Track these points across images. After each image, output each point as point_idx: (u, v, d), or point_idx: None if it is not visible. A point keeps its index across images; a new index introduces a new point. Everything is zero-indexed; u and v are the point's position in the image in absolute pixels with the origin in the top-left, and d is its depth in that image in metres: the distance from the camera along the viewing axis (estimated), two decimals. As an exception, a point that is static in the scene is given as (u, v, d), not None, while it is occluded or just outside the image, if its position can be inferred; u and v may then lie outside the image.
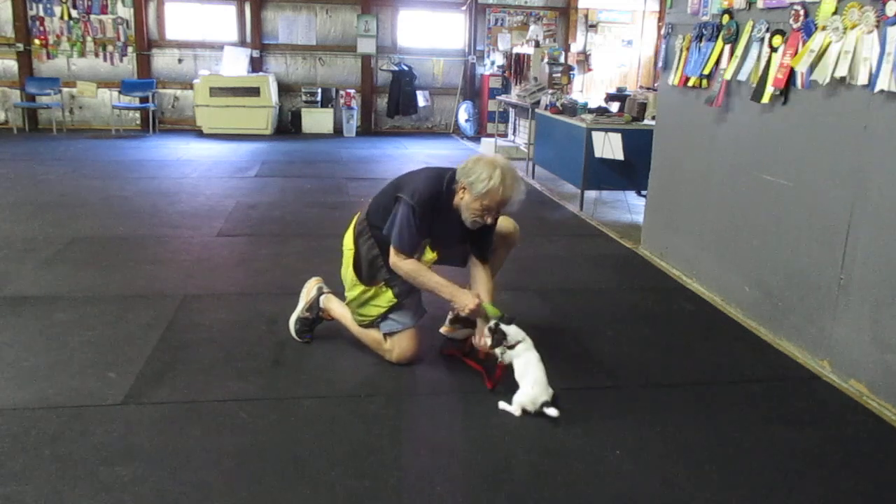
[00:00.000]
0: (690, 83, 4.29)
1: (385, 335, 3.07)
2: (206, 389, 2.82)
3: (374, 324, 3.10)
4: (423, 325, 3.16)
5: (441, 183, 2.93)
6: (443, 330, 3.42)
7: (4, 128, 10.33)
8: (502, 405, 2.73)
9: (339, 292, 3.28)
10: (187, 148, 9.18)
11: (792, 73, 3.40)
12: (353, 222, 3.18)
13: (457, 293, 2.92)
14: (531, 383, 2.69)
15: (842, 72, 3.07)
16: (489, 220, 2.93)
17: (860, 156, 3.04)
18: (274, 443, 2.46)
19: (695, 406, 2.86)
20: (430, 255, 3.02)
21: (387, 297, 3.03)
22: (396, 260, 2.92)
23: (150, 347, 3.17)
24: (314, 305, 3.29)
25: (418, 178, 2.98)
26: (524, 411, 2.69)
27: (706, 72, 4.09)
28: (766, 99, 3.57)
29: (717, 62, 4.02)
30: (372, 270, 3.05)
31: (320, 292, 3.32)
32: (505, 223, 3.22)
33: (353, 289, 3.09)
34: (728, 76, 3.85)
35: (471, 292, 2.95)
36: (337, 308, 3.26)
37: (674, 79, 4.52)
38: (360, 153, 9.40)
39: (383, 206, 3.02)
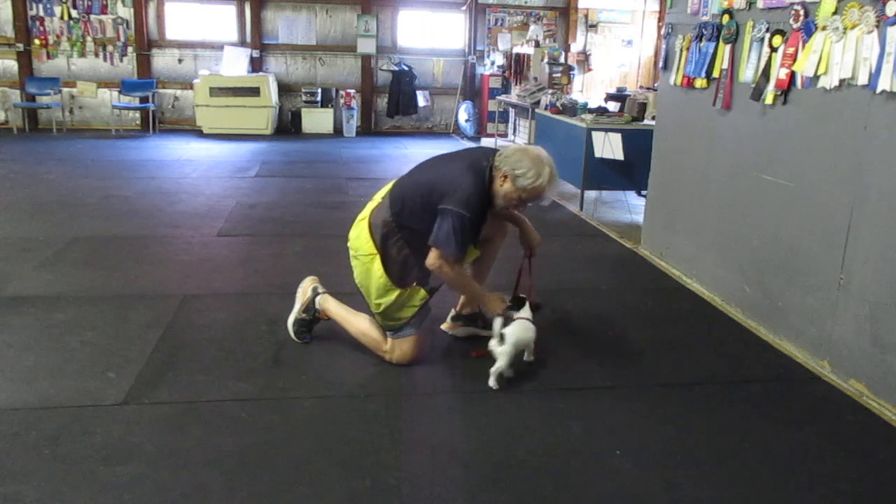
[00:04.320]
0: (697, 84, 4.27)
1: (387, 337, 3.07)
2: (206, 389, 2.82)
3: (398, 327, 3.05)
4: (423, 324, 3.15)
5: (483, 182, 2.87)
6: (444, 327, 3.42)
7: (4, 128, 10.33)
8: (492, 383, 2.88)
9: (335, 292, 3.28)
10: (187, 148, 9.18)
11: (793, 74, 3.40)
12: (367, 226, 3.02)
13: (488, 299, 3.02)
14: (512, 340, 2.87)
15: (842, 72, 3.07)
16: (520, 210, 3.03)
17: (860, 156, 3.04)
18: (274, 443, 2.46)
19: (695, 406, 2.86)
20: (473, 252, 3.06)
21: (420, 295, 2.99)
22: (442, 265, 2.84)
23: (150, 347, 3.17)
24: (310, 306, 3.27)
25: (463, 182, 2.82)
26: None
27: (715, 74, 4.08)
28: (768, 100, 3.57)
29: (722, 64, 4.01)
30: (404, 272, 2.96)
31: (316, 293, 3.30)
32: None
33: (387, 294, 2.96)
34: (741, 79, 3.82)
35: (497, 296, 3.02)
36: (334, 308, 3.24)
37: (675, 79, 4.52)
38: (360, 153, 9.41)
39: (419, 208, 2.89)
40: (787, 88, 3.44)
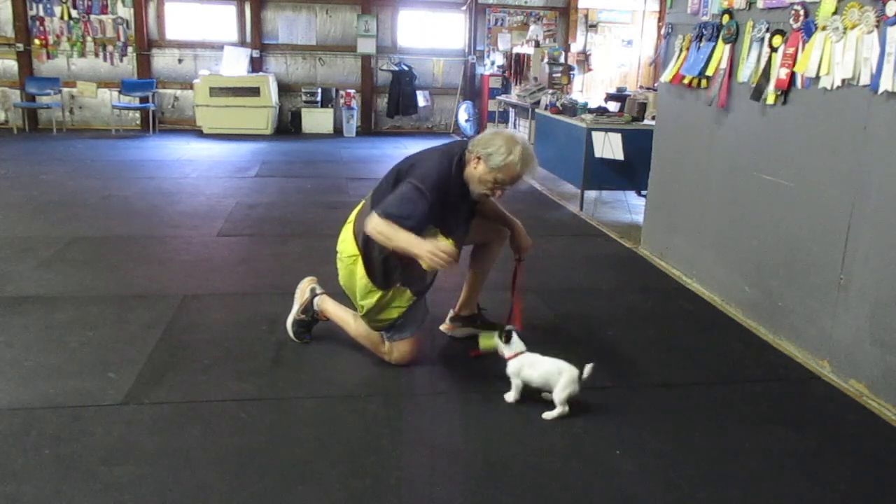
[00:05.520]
0: (686, 81, 4.29)
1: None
2: (206, 389, 2.82)
3: (383, 328, 3.04)
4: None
5: (450, 163, 2.84)
6: (443, 328, 3.42)
7: (4, 128, 10.32)
8: (546, 415, 2.68)
9: (333, 292, 3.27)
10: (187, 148, 9.18)
11: (793, 74, 3.40)
12: (352, 229, 3.04)
13: (422, 244, 2.67)
14: (562, 385, 2.68)
15: (842, 73, 3.07)
16: (498, 194, 2.91)
17: (860, 156, 3.04)
18: (274, 443, 2.46)
19: (695, 406, 2.86)
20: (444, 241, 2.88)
21: (406, 296, 2.95)
22: (377, 224, 2.71)
23: (150, 347, 3.17)
24: (309, 307, 3.27)
25: (427, 162, 2.86)
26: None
27: (709, 73, 4.08)
28: (769, 100, 3.56)
29: (719, 63, 4.01)
30: (386, 273, 2.93)
31: (314, 294, 3.30)
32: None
33: (369, 296, 2.95)
34: (741, 79, 3.81)
35: (432, 241, 2.72)
36: (332, 309, 3.24)
37: (667, 76, 4.52)
38: (360, 153, 9.41)
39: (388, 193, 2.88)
40: (787, 88, 3.44)
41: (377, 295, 2.94)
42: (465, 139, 3.01)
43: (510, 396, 2.79)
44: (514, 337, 2.83)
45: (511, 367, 2.80)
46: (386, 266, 2.94)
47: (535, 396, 2.81)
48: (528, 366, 2.78)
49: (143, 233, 5.11)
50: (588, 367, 2.68)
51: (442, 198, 2.82)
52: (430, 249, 2.66)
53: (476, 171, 2.83)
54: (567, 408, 2.67)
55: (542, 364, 2.76)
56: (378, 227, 2.74)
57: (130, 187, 6.62)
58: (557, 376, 2.69)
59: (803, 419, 2.79)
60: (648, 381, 3.06)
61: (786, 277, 3.52)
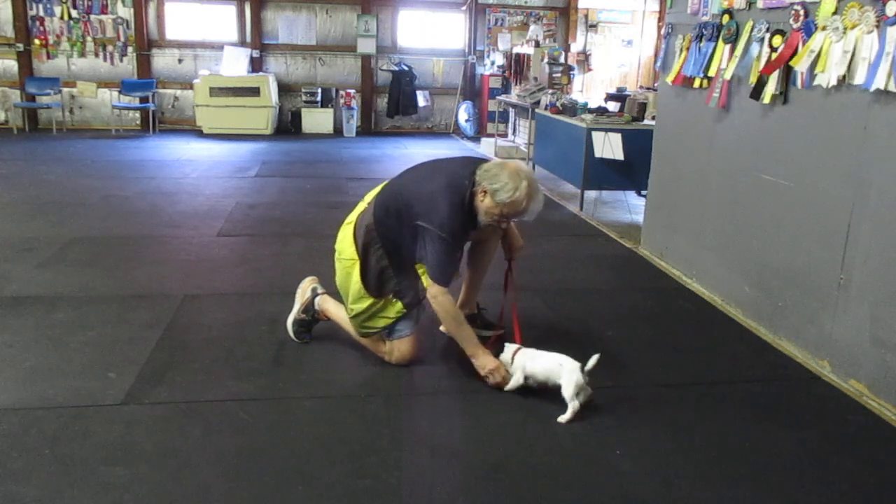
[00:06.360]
0: (696, 84, 4.28)
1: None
2: (206, 389, 2.82)
3: (367, 335, 3.07)
4: (423, 324, 3.15)
5: (462, 201, 2.86)
6: (443, 328, 3.42)
7: (4, 128, 10.33)
8: (560, 419, 2.67)
9: (334, 292, 3.27)
10: (187, 148, 9.18)
11: (791, 73, 3.40)
12: (352, 231, 3.06)
13: (480, 354, 2.91)
14: (566, 379, 2.70)
15: (842, 72, 3.07)
16: (504, 225, 3.00)
17: (860, 156, 3.04)
18: (274, 443, 2.46)
19: (695, 406, 2.86)
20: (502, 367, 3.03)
21: (396, 308, 2.98)
22: (437, 293, 2.88)
23: (150, 347, 3.17)
24: (310, 307, 3.28)
25: (440, 204, 2.84)
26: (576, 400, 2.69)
27: (710, 73, 4.07)
28: (766, 99, 3.57)
29: (720, 63, 4.01)
30: (381, 282, 2.97)
31: (315, 293, 3.30)
32: None
33: (360, 301, 2.99)
34: (728, 76, 3.85)
35: (491, 357, 2.91)
36: (333, 309, 3.24)
37: (669, 76, 4.52)
38: (360, 153, 9.41)
39: (397, 221, 2.92)
40: (786, 88, 3.44)
41: (368, 301, 2.98)
42: (471, 159, 3.05)
43: (510, 385, 2.86)
44: (506, 345, 2.96)
45: (515, 363, 2.87)
46: (382, 276, 2.98)
47: (538, 395, 2.81)
48: (530, 359, 2.85)
49: (143, 233, 5.11)
50: (593, 359, 2.69)
51: (463, 237, 2.96)
52: (491, 369, 2.87)
53: (483, 203, 2.87)
54: (577, 404, 2.66)
55: (543, 359, 2.83)
56: (443, 308, 2.91)
57: (130, 187, 6.62)
58: (559, 369, 2.73)
59: (803, 419, 2.79)
60: (648, 381, 3.06)
61: (786, 277, 3.52)
